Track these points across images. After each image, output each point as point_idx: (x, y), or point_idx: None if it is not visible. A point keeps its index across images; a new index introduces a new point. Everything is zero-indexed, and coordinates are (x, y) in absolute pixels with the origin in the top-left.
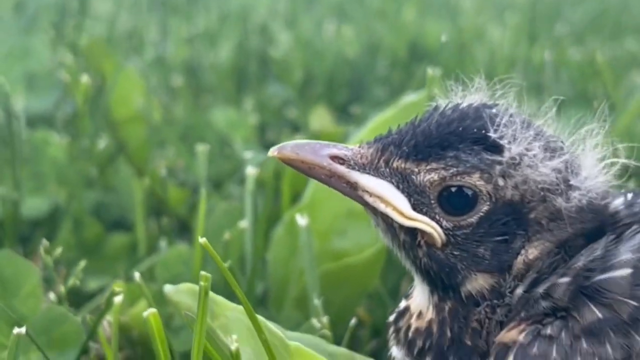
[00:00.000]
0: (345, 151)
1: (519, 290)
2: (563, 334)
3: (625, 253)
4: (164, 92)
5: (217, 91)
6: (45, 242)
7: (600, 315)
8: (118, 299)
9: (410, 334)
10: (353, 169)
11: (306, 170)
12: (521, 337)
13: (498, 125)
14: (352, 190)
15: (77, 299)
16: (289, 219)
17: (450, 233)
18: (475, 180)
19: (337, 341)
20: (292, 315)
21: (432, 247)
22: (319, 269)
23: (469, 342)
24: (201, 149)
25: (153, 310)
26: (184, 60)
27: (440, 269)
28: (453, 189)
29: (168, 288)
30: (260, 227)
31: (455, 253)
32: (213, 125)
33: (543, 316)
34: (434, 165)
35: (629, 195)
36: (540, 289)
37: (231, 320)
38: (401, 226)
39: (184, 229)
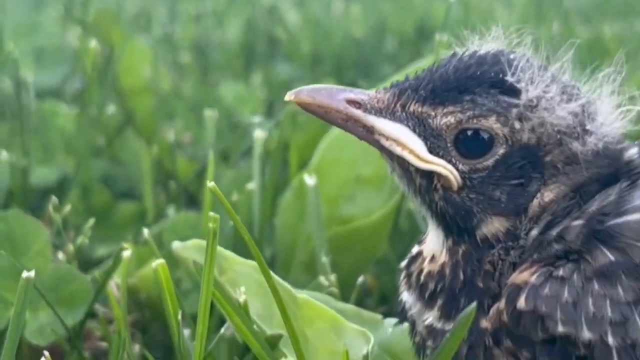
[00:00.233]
0: (362, 95)
1: (534, 232)
2: (575, 275)
3: (639, 198)
4: (172, 69)
5: (225, 70)
6: (54, 199)
7: (612, 258)
8: (127, 254)
9: (422, 278)
10: (369, 113)
11: (322, 114)
12: (533, 279)
13: (515, 69)
14: (368, 134)
15: (86, 265)
16: (297, 184)
17: (467, 176)
18: (491, 123)
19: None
20: (300, 279)
21: (448, 190)
22: (327, 233)
23: (481, 285)
24: (209, 114)
25: (161, 261)
26: (192, 39)
27: (456, 213)
28: (469, 132)
29: (176, 244)
30: (268, 190)
31: (471, 196)
32: (221, 100)
33: (555, 259)
34: (450, 108)
35: None
36: (554, 232)
37: (239, 274)
38: (417, 170)
39: (192, 201)
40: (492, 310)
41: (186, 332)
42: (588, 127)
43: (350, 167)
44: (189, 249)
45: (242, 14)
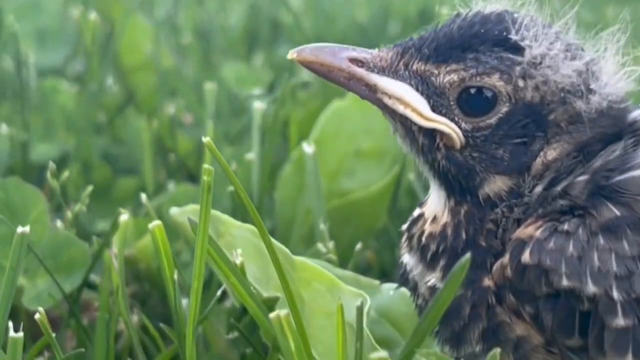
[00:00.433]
0: (365, 54)
1: (538, 189)
2: (580, 230)
3: None
4: (174, 52)
5: (228, 54)
6: (51, 165)
7: (618, 213)
8: (124, 218)
9: (423, 239)
10: (372, 71)
11: (325, 73)
12: (538, 233)
13: (519, 27)
14: (371, 93)
15: (85, 240)
16: (296, 157)
17: (469, 135)
18: (494, 81)
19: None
20: (299, 252)
21: (450, 149)
22: (327, 206)
23: (483, 243)
24: (209, 87)
25: (157, 222)
26: (195, 22)
27: (458, 172)
28: (472, 90)
29: (174, 210)
30: (267, 158)
31: (474, 155)
32: (223, 80)
33: (560, 214)
34: (454, 66)
35: None
36: (558, 188)
37: (236, 238)
38: (420, 128)
39: (192, 178)
40: (496, 266)
41: (184, 301)
42: (592, 86)
43: (350, 141)
44: (187, 214)
45: None
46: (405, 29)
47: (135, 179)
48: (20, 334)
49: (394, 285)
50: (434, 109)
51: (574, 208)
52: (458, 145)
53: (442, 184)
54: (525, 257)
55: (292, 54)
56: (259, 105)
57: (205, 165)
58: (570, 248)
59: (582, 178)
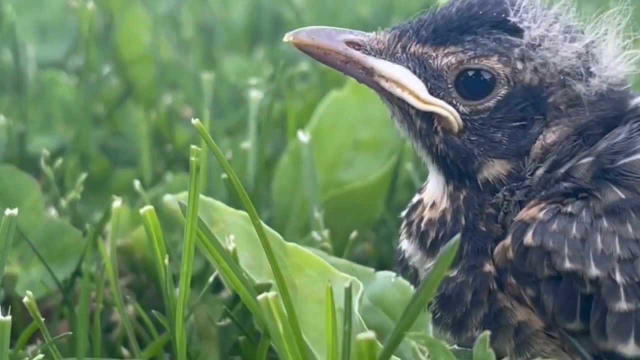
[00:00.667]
0: (362, 37)
1: (540, 171)
2: (584, 212)
3: None
4: (176, 48)
5: (230, 49)
6: (45, 152)
7: (622, 195)
8: (117, 204)
9: (422, 226)
10: (369, 54)
11: (322, 56)
12: (541, 215)
13: (518, 9)
14: (367, 76)
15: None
16: (293, 148)
17: (467, 118)
18: (493, 63)
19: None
20: (295, 240)
21: (448, 133)
22: (324, 197)
23: (483, 228)
24: (206, 77)
25: (150, 207)
26: (197, 18)
27: (456, 156)
28: (470, 73)
29: (167, 197)
30: (263, 149)
31: (472, 139)
32: (224, 74)
33: (564, 196)
34: (451, 48)
35: None
36: (562, 170)
37: (230, 225)
38: (417, 112)
39: (189, 168)
40: (497, 248)
41: (178, 291)
42: (592, 68)
43: (348, 132)
44: (180, 200)
45: None
46: None
47: (134, 170)
48: (8, 317)
49: (389, 273)
50: (431, 92)
51: (578, 190)
52: (456, 128)
53: (441, 168)
54: (528, 238)
55: (288, 37)
56: (255, 95)
57: (193, 146)
58: (574, 230)
59: (586, 160)
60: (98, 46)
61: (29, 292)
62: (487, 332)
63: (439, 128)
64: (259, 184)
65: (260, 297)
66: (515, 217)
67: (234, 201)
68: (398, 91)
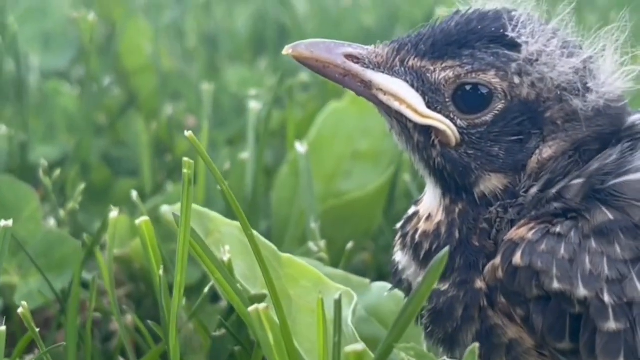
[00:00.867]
0: (361, 50)
1: (533, 190)
2: (572, 232)
3: None
4: (180, 58)
5: (234, 59)
6: (44, 163)
7: (611, 216)
8: (114, 214)
9: (417, 237)
10: (368, 67)
11: (321, 69)
12: (530, 235)
13: (516, 24)
14: (366, 89)
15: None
16: (292, 158)
17: (465, 132)
18: (490, 77)
19: None
20: (293, 251)
21: (446, 146)
22: (323, 207)
23: (476, 243)
24: (206, 87)
25: (145, 218)
26: (201, 27)
27: (454, 169)
28: (468, 87)
29: (164, 208)
30: (261, 159)
31: (470, 152)
32: (226, 85)
33: (553, 216)
34: (449, 62)
35: None
36: (553, 190)
37: (225, 235)
38: (415, 125)
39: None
40: (488, 267)
41: None
42: (589, 84)
43: (347, 142)
44: (175, 211)
45: (252, 3)
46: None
47: (135, 180)
48: (3, 328)
49: (385, 284)
50: (429, 105)
51: (568, 211)
52: (453, 142)
53: (438, 181)
54: (517, 258)
55: (287, 50)
56: (254, 105)
57: (185, 159)
58: (562, 250)
59: (577, 181)
60: (100, 56)
61: (24, 303)
62: (476, 344)
63: (436, 141)
64: (257, 194)
65: (250, 308)
66: (505, 237)
67: (231, 212)
68: (396, 104)
